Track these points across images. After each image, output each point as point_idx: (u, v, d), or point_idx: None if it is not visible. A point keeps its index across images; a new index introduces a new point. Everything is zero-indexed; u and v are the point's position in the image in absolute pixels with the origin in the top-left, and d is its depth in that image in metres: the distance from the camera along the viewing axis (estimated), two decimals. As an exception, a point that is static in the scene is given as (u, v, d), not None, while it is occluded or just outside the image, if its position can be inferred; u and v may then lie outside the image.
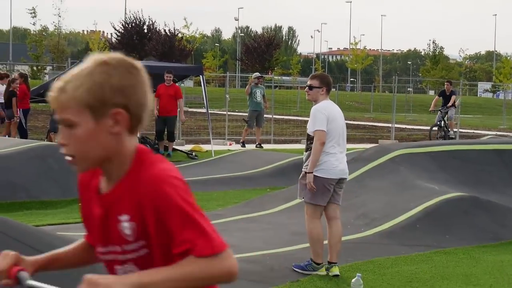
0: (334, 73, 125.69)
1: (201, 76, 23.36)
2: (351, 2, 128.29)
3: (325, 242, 8.76)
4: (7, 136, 20.13)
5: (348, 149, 23.43)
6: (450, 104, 27.42)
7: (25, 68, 63.80)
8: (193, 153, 21.67)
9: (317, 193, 8.48)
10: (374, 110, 60.93)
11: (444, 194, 11.73)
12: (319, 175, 8.46)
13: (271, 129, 29.36)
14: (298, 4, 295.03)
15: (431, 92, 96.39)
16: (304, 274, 8.54)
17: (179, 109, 21.43)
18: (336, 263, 8.65)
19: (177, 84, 24.23)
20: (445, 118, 27.69)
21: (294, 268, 8.66)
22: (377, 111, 58.59)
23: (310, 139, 8.64)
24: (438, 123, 27.78)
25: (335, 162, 8.55)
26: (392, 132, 31.95)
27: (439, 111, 27.68)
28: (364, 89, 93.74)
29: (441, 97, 27.97)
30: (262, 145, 25.19)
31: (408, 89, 74.13)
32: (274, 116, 31.66)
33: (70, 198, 13.89)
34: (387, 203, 11.68)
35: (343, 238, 10.33)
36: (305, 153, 8.78)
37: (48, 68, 72.50)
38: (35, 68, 70.70)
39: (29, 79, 22.62)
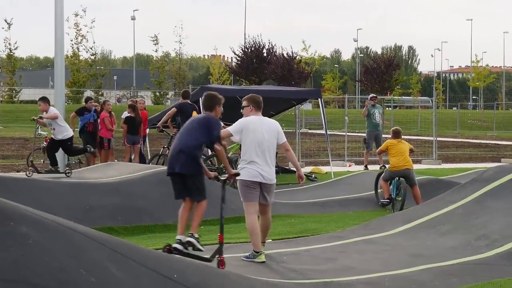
0: (456, 92, 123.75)
1: (319, 99, 23.51)
2: (471, 20, 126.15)
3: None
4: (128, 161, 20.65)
5: (469, 168, 23.01)
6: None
7: (148, 94, 65.38)
8: (313, 175, 21.75)
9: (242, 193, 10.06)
10: (497, 128, 59.76)
11: None
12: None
13: (391, 150, 29.05)
14: (417, 24, 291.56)
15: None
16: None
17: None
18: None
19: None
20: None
21: (243, 259, 10.01)
22: (500, 129, 57.44)
23: None
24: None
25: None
26: (515, 150, 31.37)
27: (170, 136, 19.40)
28: (486, 107, 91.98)
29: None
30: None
31: (533, 105, 72.35)
32: (394, 137, 31.35)
33: (192, 221, 14.19)
34: (509, 224, 11.46)
35: (463, 260, 10.26)
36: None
37: (170, 93, 74.10)
38: (157, 93, 72.35)
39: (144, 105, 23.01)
